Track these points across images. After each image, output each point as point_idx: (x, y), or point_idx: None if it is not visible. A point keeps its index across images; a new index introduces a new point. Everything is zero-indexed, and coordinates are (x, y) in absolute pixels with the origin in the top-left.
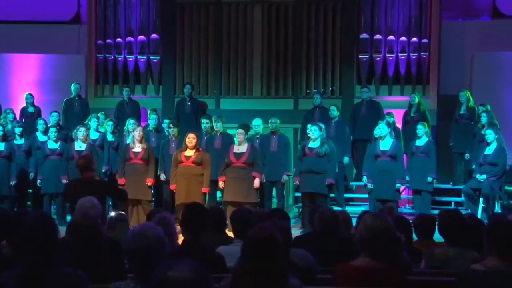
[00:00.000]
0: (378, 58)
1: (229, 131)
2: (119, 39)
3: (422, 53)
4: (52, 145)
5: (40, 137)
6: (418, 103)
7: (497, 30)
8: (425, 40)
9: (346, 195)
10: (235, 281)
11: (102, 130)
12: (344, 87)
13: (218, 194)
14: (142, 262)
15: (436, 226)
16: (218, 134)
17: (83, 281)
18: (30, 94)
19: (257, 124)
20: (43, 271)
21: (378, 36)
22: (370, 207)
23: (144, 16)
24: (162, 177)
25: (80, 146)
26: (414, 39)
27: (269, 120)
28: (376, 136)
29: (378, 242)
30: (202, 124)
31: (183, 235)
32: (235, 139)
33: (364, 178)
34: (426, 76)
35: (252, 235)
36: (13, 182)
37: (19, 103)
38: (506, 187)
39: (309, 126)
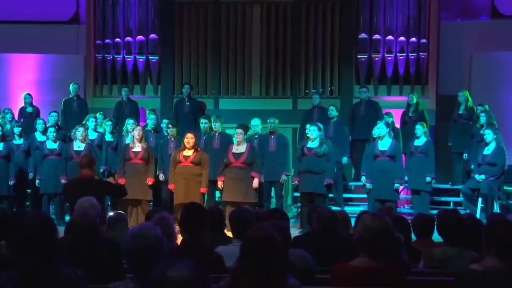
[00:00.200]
0: (376, 58)
1: (228, 131)
2: (117, 39)
3: (420, 53)
4: (51, 145)
5: (39, 137)
6: (416, 103)
7: (495, 30)
8: (423, 40)
9: (345, 195)
10: (234, 281)
11: (100, 130)
12: (342, 87)
13: (217, 194)
14: (141, 262)
15: (435, 226)
16: (216, 134)
17: (82, 281)
18: (29, 94)
19: (256, 124)
20: (42, 271)
21: (376, 36)
22: (368, 207)
23: (143, 16)
24: (161, 177)
25: (78, 146)
26: (413, 39)
27: (268, 120)
28: (374, 136)
29: (377, 242)
30: (200, 124)
31: (182, 235)
32: (234, 139)
33: (363, 178)
34: (424, 76)
35: (250, 235)
36: (11, 182)
37: (18, 103)
38: (505, 187)
39: (308, 126)
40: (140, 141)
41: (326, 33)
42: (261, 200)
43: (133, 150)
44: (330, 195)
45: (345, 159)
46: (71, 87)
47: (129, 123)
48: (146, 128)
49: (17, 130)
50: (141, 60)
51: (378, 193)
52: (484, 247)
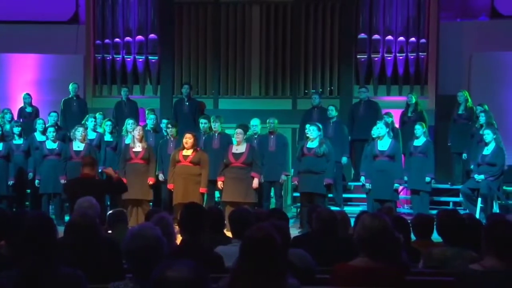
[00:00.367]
0: (376, 58)
1: (227, 131)
2: (117, 39)
3: (420, 53)
4: (51, 145)
5: (39, 137)
6: (415, 103)
7: (495, 30)
8: (423, 40)
9: (344, 195)
10: (233, 281)
11: (100, 130)
12: (342, 87)
13: (217, 194)
14: (140, 262)
15: (434, 226)
16: (216, 134)
17: (82, 281)
18: (28, 94)
19: (255, 124)
20: (42, 271)
21: (376, 36)
22: (368, 207)
23: (142, 16)
24: (161, 177)
25: (78, 146)
26: (412, 39)
27: (267, 120)
28: (374, 136)
29: (377, 242)
30: (200, 124)
31: (181, 235)
32: (233, 139)
33: (362, 178)
34: (424, 76)
35: (250, 235)
36: (11, 182)
37: (17, 103)
38: (504, 187)
39: (307, 126)
40: (140, 141)
41: (325, 33)
42: (261, 200)
43: (134, 150)
44: (330, 195)
45: (344, 159)
46: (70, 87)
47: (129, 123)
48: (146, 128)
49: (16, 130)
50: (140, 60)
51: (378, 193)
52: (483, 247)
